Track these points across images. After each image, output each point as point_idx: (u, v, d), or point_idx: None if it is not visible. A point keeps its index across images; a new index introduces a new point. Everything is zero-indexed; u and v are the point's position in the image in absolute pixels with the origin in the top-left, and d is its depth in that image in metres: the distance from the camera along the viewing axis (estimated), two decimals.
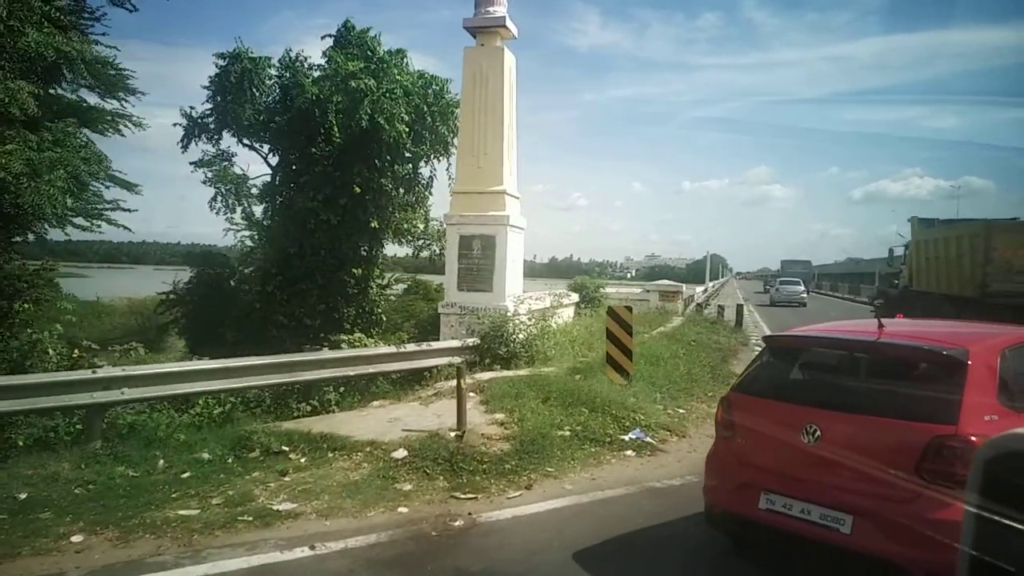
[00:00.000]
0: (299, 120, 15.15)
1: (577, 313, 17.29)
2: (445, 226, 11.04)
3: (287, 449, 6.74)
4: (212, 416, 7.80)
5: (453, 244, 10.93)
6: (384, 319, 15.91)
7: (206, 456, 6.44)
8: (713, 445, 4.67)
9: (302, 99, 14.86)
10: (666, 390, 9.55)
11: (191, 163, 16.75)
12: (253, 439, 6.80)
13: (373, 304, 15.67)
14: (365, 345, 9.17)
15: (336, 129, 14.21)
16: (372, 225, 15.01)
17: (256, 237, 17.24)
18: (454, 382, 9.26)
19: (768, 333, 10.70)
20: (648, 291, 19.87)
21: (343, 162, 14.60)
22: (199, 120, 16.29)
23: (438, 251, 17.58)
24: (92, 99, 13.75)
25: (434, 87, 15.20)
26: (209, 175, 16.05)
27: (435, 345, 9.58)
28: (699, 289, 35.68)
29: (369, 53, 15.09)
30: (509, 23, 11.05)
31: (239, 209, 16.70)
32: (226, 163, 17.20)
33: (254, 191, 17.07)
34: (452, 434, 7.00)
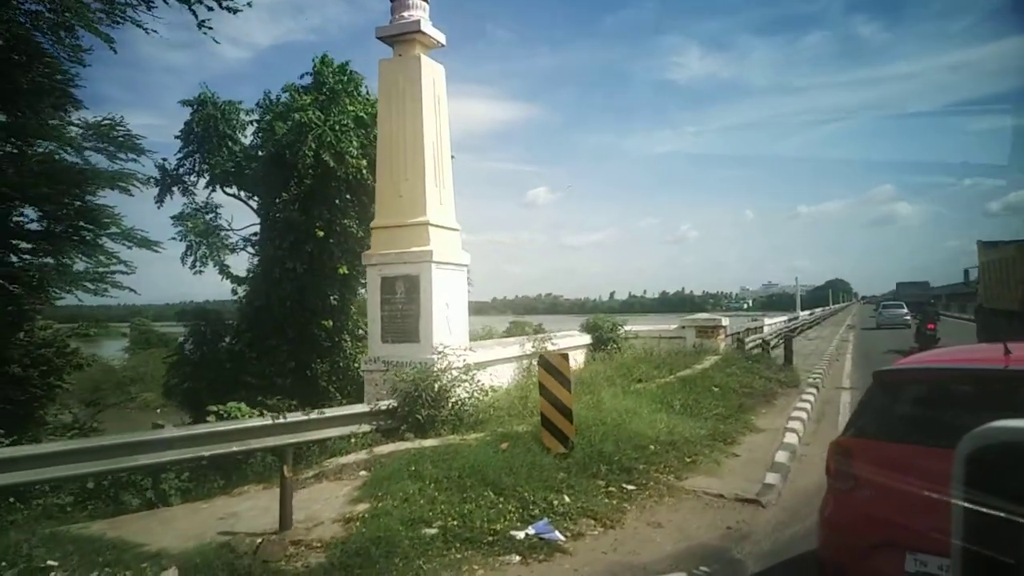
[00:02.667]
0: (271, 163, 14.40)
1: (591, 359, 15.47)
2: (365, 268, 9.74)
3: (55, 564, 5.44)
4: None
5: (374, 288, 9.54)
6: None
7: None
8: (827, 499, 4.29)
9: (271, 141, 14.12)
10: (619, 459, 7.68)
11: (171, 217, 16.32)
12: (21, 550, 5.55)
13: (349, 359, 14.44)
14: (234, 417, 7.87)
15: (299, 170, 13.29)
16: (341, 271, 13.90)
17: (234, 291, 16.53)
18: (354, 456, 7.88)
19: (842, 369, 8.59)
20: (684, 327, 17.70)
21: (308, 205, 13.65)
22: (173, 172, 15.85)
23: None
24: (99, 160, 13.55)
25: None
26: (179, 230, 15.52)
27: (331, 412, 8.16)
28: (775, 321, 32.65)
29: (321, 81, 14.18)
30: (429, 28, 9.76)
31: (209, 263, 16.03)
32: (210, 215, 16.67)
33: (231, 242, 16.41)
34: (258, 541, 5.49)
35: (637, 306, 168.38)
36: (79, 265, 14.07)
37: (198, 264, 15.62)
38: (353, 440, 8.11)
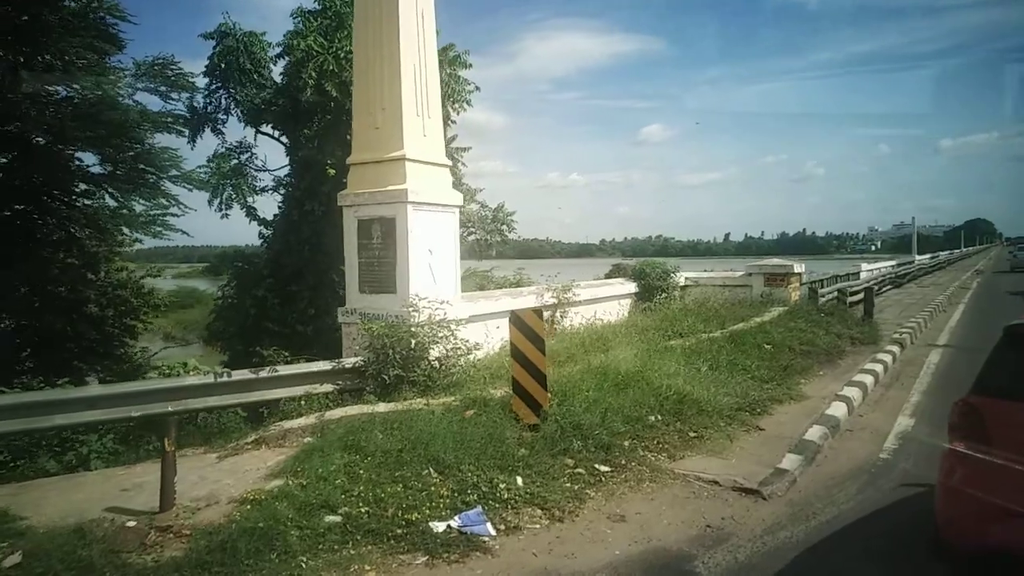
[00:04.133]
0: (295, 98, 13.72)
1: (636, 310, 14.18)
2: (342, 208, 8.82)
3: None
4: None
5: (351, 232, 8.66)
6: None
7: None
8: (948, 465, 4.11)
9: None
10: (600, 433, 6.60)
11: (207, 159, 16.02)
12: None
13: None
14: (171, 375, 7.27)
15: (306, 103, 12.49)
16: None
17: (261, 235, 16.17)
18: (303, 421, 7.22)
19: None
20: (750, 274, 15.91)
21: (323, 142, 12.92)
22: (203, 111, 15.47)
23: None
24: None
25: None
26: (205, 172, 15.19)
27: (285, 370, 7.45)
28: (878, 267, 29.70)
29: (327, 5, 13.17)
30: None
31: (236, 205, 15.64)
32: (245, 155, 16.28)
33: (264, 184, 15.96)
34: (130, 523, 4.85)
35: (753, 248, 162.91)
36: (138, 207, 14.28)
37: (223, 207, 15.35)
38: (303, 402, 7.41)
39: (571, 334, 11.00)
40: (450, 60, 13.22)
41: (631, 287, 14.21)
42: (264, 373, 7.27)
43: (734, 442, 7.09)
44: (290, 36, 13.60)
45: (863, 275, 24.30)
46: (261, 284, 13.86)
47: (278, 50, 14.30)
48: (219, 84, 14.72)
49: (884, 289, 25.02)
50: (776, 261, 16.12)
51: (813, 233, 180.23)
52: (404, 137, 8.24)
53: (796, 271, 15.34)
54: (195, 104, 15.35)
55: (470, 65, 14.00)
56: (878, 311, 19.25)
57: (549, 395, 7.14)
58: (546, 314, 11.38)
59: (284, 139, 15.64)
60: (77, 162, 13.79)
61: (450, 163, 9.09)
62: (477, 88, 14.20)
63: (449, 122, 14.84)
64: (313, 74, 11.85)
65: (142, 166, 13.90)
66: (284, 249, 13.48)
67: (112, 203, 14.29)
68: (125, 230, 14.79)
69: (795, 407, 8.51)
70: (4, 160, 13.12)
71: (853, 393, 9.01)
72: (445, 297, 8.56)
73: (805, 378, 10.04)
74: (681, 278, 16.35)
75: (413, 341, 7.71)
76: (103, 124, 12.72)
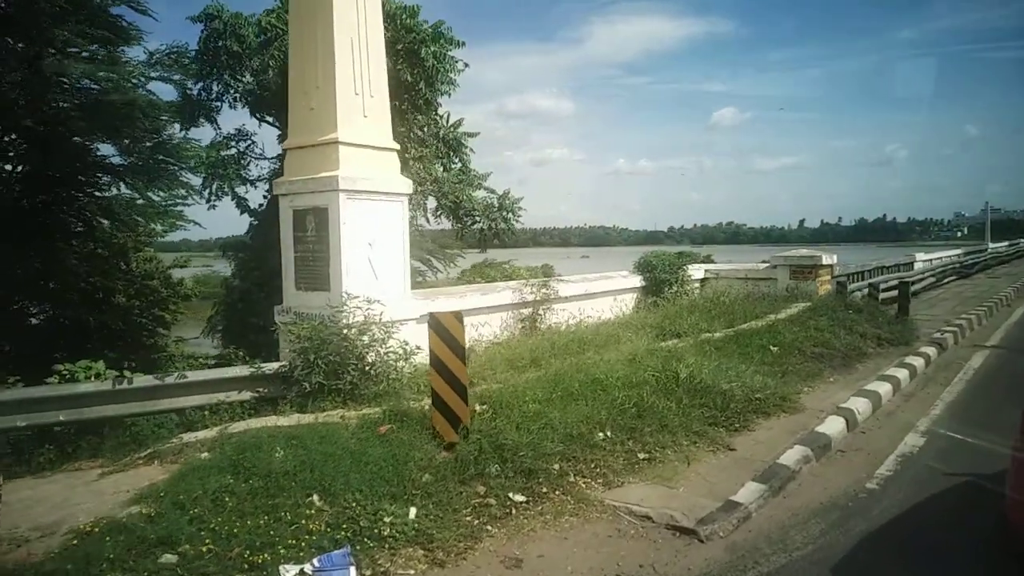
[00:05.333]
0: (277, 82, 13.21)
1: (641, 305, 13.19)
2: (277, 198, 8.15)
3: None
4: None
5: (287, 223, 7.98)
6: None
7: None
8: (1016, 474, 4.12)
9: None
10: (527, 454, 5.78)
11: (206, 149, 15.68)
12: None
13: None
14: (62, 381, 6.69)
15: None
16: None
17: (251, 226, 15.73)
18: (203, 434, 6.65)
19: None
20: (775, 266, 14.65)
21: None
22: (196, 98, 15.11)
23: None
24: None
25: (402, 18, 12.12)
26: (193, 161, 14.83)
27: (195, 376, 6.85)
28: (941, 256, 27.48)
29: None
30: None
31: (223, 196, 15.22)
32: (245, 143, 15.93)
33: (255, 174, 15.55)
34: None
35: (830, 234, 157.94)
36: (155, 198, 14.24)
37: (212, 198, 15.01)
38: (208, 413, 6.80)
39: (551, 334, 10.14)
40: (433, 38, 12.39)
41: (635, 280, 13.19)
42: (171, 379, 6.69)
43: (691, 465, 6.15)
44: (265, 14, 13.09)
45: (918, 265, 22.48)
46: (248, 276, 13.45)
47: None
48: (208, 69, 14.31)
49: (946, 280, 23.14)
50: (804, 252, 14.81)
51: (894, 219, 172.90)
52: (338, 118, 7.51)
53: (825, 263, 14.02)
54: (188, 91, 15.01)
55: (462, 43, 13.22)
56: (930, 305, 17.74)
57: (479, 408, 6.39)
58: (526, 311, 10.57)
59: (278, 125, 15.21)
60: (95, 154, 13.76)
61: (397, 147, 8.30)
62: (467, 65, 13.46)
63: (436, 105, 14.19)
64: (276, 54, 11.25)
65: (161, 156, 13.77)
66: (268, 241, 13.00)
67: (129, 193, 14.24)
68: (140, 220, 14.74)
69: (784, 421, 7.49)
70: (23, 151, 13.20)
71: (859, 404, 7.92)
72: (389, 295, 7.84)
73: (810, 384, 8.95)
74: (700, 270, 15.24)
75: (341, 344, 7.02)
76: (116, 114, 12.58)
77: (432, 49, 11.97)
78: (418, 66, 11.80)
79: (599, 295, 11.91)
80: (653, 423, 6.74)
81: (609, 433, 6.45)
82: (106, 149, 13.64)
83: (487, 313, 9.65)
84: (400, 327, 7.76)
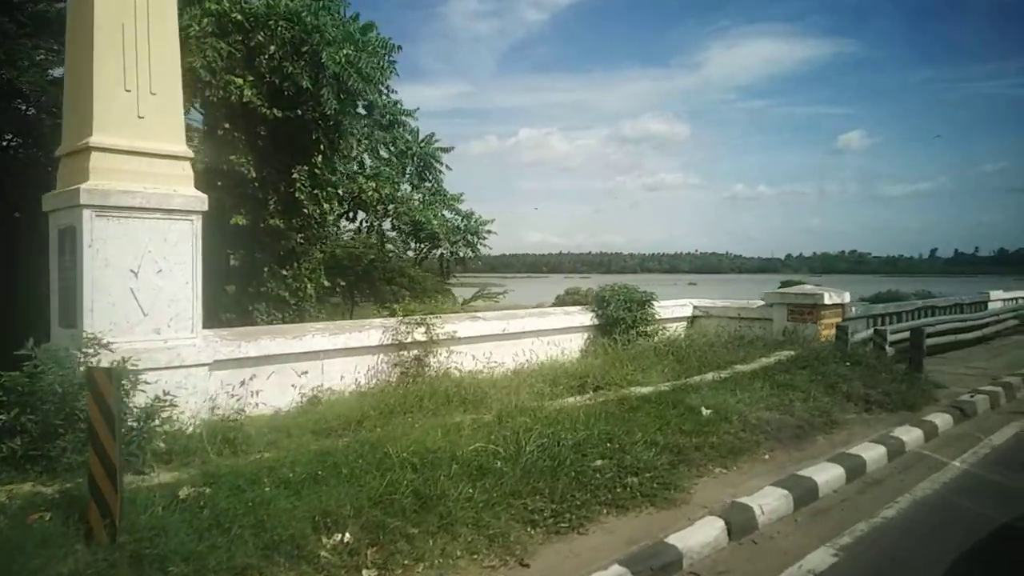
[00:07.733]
0: None
1: (590, 347, 11.34)
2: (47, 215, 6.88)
3: None
4: None
5: (53, 246, 6.70)
6: None
7: None
8: None
9: None
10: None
11: None
12: None
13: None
14: None
15: None
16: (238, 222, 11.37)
17: None
18: None
19: None
20: (771, 305, 12.43)
21: None
22: None
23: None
24: None
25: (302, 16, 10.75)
26: None
27: None
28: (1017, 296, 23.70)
29: None
30: None
31: None
32: None
33: None
34: None
35: (966, 265, 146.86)
36: None
37: None
38: None
39: (438, 383, 8.47)
40: (344, 39, 10.97)
41: (585, 318, 11.31)
42: None
43: None
44: None
45: (992, 305, 19.27)
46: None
47: None
48: None
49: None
50: (806, 288, 12.53)
51: None
52: (94, 119, 6.21)
53: (828, 302, 11.70)
54: None
55: (397, 47, 11.86)
56: (992, 356, 14.89)
57: (184, 492, 4.90)
58: (411, 353, 8.96)
59: None
60: None
61: (190, 155, 6.92)
62: (395, 72, 12.19)
63: (410, 117, 13.20)
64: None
65: None
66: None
67: None
68: None
69: (642, 520, 5.54)
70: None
71: (767, 500, 5.89)
72: (166, 334, 6.43)
73: (727, 465, 6.89)
74: (688, 307, 13.19)
75: (62, 399, 5.63)
76: None
77: (344, 53, 10.65)
78: (321, 72, 10.49)
79: (525, 335, 10.12)
80: (432, 519, 5.00)
81: (348, 537, 4.75)
82: None
83: (341, 356, 8.10)
84: (182, 373, 6.37)
